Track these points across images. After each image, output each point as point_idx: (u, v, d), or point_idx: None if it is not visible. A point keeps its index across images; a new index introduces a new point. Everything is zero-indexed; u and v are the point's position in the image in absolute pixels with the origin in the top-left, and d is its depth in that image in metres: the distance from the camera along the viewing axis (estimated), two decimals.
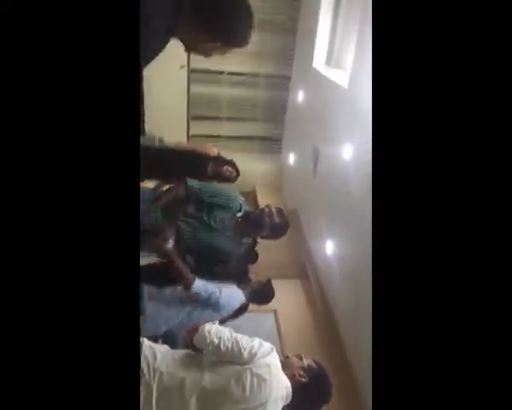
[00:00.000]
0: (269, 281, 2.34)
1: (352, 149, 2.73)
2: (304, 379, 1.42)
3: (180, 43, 1.25)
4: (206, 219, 2.15)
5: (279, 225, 2.14)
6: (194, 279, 1.98)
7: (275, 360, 1.38)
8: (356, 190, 2.63)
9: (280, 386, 1.35)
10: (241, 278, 2.63)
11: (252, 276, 2.45)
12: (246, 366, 1.31)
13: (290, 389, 1.38)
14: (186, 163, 3.14)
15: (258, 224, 2.12)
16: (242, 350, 1.33)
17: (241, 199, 2.30)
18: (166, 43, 1.19)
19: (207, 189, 2.31)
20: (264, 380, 1.29)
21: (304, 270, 3.68)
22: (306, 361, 1.48)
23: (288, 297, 3.48)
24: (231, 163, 3.13)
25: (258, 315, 3.20)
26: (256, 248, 3.12)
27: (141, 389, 1.30)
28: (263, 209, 2.16)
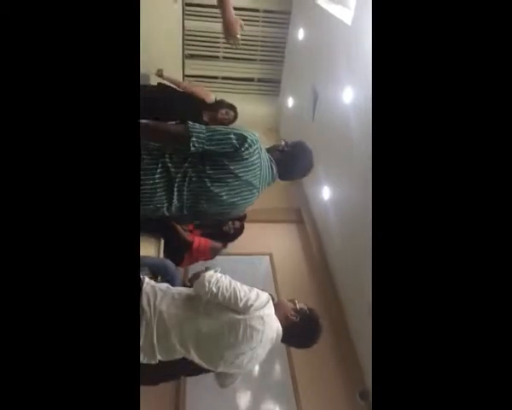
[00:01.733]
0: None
1: (353, 93, 2.64)
2: (295, 318, 1.49)
3: None
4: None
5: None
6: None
7: (269, 310, 1.43)
8: (355, 134, 2.58)
9: (271, 332, 1.42)
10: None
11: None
12: (240, 317, 1.37)
13: (281, 331, 1.46)
14: (182, 107, 3.05)
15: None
16: (239, 301, 1.37)
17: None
18: None
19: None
20: (258, 331, 1.36)
21: (300, 215, 3.71)
22: (299, 305, 1.54)
23: (283, 241, 3.54)
24: (230, 106, 3.04)
25: (254, 258, 3.28)
26: None
27: (142, 325, 1.34)
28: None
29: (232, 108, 3.02)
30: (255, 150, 1.43)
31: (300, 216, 3.70)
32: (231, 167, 1.40)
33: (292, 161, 1.64)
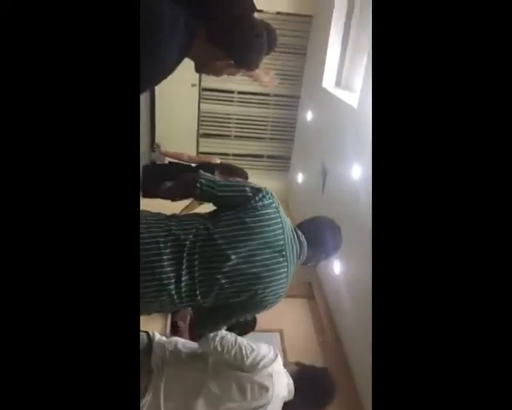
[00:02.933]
0: None
1: (361, 170, 2.72)
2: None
3: (191, 62, 1.27)
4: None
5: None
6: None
7: (278, 365, 1.41)
8: (364, 210, 2.61)
9: (281, 389, 1.39)
10: None
11: None
12: (248, 374, 1.35)
13: (292, 387, 1.43)
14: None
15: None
16: (245, 359, 1.36)
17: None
18: (180, 62, 1.21)
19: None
20: (267, 388, 1.34)
21: (310, 289, 3.64)
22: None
23: (293, 317, 3.44)
24: (240, 171, 3.13)
25: (265, 335, 3.16)
26: None
27: (149, 387, 1.33)
28: None
29: (244, 175, 3.10)
30: (271, 204, 1.26)
31: (311, 291, 3.63)
32: (247, 220, 1.21)
33: (318, 230, 1.44)
